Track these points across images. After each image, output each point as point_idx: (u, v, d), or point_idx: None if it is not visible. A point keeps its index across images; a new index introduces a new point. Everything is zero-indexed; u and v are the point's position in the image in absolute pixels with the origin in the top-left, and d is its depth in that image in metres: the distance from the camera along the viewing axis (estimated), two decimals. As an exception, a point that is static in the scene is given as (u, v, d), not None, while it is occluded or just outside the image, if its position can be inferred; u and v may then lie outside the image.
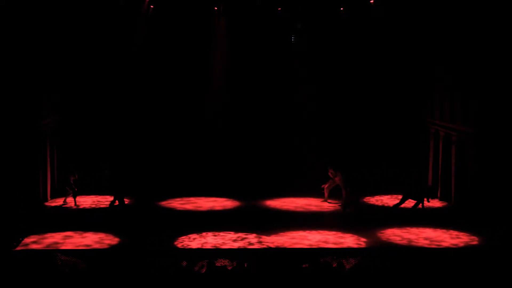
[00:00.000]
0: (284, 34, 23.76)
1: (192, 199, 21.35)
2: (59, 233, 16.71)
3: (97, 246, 15.73)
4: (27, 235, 16.42)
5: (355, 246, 16.17)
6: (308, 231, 17.39)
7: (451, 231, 17.49)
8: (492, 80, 19.11)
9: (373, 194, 22.06)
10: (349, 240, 16.59)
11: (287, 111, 23.94)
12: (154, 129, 23.49)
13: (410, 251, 15.97)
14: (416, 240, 16.75)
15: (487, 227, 17.62)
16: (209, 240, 16.46)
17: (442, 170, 21.66)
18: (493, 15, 18.84)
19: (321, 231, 17.40)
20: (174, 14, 22.97)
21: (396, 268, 12.77)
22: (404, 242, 16.63)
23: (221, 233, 17.01)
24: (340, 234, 17.16)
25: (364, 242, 16.47)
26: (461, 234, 17.25)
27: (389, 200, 21.34)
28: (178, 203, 20.88)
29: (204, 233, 17.00)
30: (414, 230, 17.67)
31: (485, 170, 19.28)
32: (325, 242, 16.46)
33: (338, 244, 16.32)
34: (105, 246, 15.72)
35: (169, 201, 21.08)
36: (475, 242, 16.58)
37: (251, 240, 16.54)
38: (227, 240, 16.49)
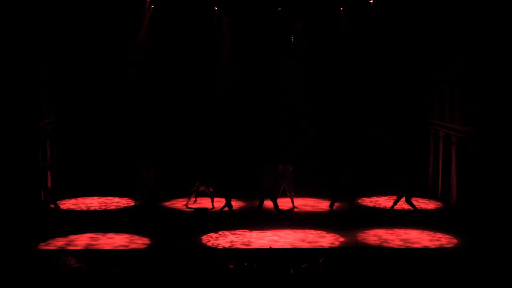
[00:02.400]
0: (284, 34, 24.95)
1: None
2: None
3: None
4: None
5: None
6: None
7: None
8: (492, 80, 19.76)
9: (370, 195, 23.06)
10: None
11: (286, 111, 25.14)
12: (154, 130, 24.61)
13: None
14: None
15: (479, 229, 18.32)
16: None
17: (442, 170, 22.69)
18: (493, 15, 19.54)
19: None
20: (174, 13, 23.95)
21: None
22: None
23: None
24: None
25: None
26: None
27: (385, 202, 22.27)
28: (182, 204, 21.83)
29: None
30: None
31: (485, 170, 19.87)
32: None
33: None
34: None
35: (173, 202, 22.13)
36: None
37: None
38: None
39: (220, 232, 18.28)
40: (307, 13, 24.26)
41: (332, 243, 17.39)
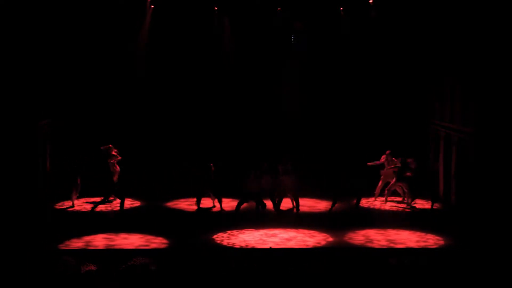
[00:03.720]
0: (284, 34, 25.94)
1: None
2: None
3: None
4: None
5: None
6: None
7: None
8: (492, 80, 20.29)
9: (367, 196, 23.56)
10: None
11: (286, 111, 26.08)
12: (155, 130, 25.55)
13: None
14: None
15: (473, 230, 18.88)
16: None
17: (443, 171, 23.39)
18: (493, 15, 20.05)
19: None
20: (175, 12, 24.89)
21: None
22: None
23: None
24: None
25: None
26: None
27: (381, 203, 22.96)
28: (185, 205, 22.65)
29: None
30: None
31: (485, 170, 20.38)
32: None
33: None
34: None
35: (175, 202, 22.96)
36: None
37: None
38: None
39: (229, 232, 19.18)
40: (307, 13, 25.11)
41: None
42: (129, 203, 22.49)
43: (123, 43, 24.76)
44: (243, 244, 18.07)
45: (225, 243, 18.13)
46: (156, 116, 25.75)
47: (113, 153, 22.37)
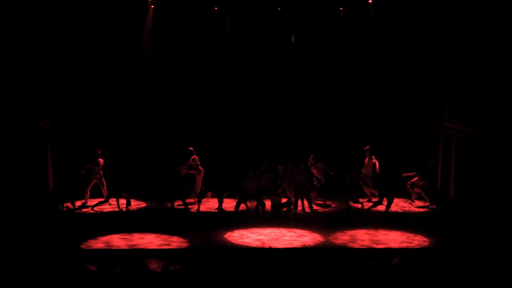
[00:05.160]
0: (283, 34, 26.73)
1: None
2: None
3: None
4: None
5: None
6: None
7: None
8: (493, 80, 20.68)
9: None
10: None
11: (286, 111, 26.78)
12: (155, 129, 26.27)
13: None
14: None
15: (472, 230, 19.37)
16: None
17: (442, 171, 24.07)
18: (493, 16, 20.43)
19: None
20: (175, 12, 25.64)
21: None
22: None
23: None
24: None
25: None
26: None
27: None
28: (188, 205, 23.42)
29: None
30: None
31: (485, 170, 20.78)
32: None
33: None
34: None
35: (177, 203, 23.48)
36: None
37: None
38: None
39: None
40: (306, 13, 25.91)
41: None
42: (134, 203, 23.12)
43: (123, 42, 25.43)
44: (259, 243, 18.80)
45: (240, 242, 18.87)
46: (156, 115, 26.46)
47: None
